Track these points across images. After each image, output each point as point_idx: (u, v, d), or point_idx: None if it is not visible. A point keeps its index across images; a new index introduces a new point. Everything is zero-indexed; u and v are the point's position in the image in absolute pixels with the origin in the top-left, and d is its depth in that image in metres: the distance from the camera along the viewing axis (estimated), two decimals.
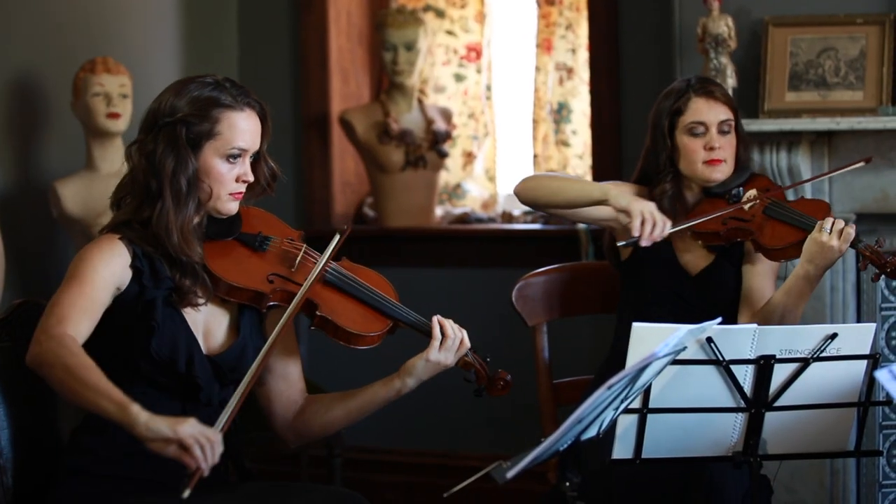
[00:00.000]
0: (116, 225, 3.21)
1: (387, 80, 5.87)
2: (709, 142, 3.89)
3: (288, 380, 3.38)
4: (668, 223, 3.73)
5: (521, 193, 3.99)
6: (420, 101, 5.83)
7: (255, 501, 3.19)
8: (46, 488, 3.22)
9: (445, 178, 5.92)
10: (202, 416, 3.17)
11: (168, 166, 3.16)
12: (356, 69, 5.95)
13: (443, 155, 5.78)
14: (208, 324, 3.26)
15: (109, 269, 3.12)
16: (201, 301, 3.21)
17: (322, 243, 3.33)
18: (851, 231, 3.65)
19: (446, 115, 5.85)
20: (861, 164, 3.99)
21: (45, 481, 3.23)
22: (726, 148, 3.91)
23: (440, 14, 5.90)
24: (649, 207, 3.73)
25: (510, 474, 2.81)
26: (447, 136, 5.79)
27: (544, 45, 5.67)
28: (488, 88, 5.89)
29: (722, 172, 3.91)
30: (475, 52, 5.90)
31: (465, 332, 3.35)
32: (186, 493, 2.89)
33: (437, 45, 5.90)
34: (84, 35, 5.18)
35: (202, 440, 2.87)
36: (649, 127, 3.99)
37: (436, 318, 3.32)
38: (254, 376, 3.09)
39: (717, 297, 3.89)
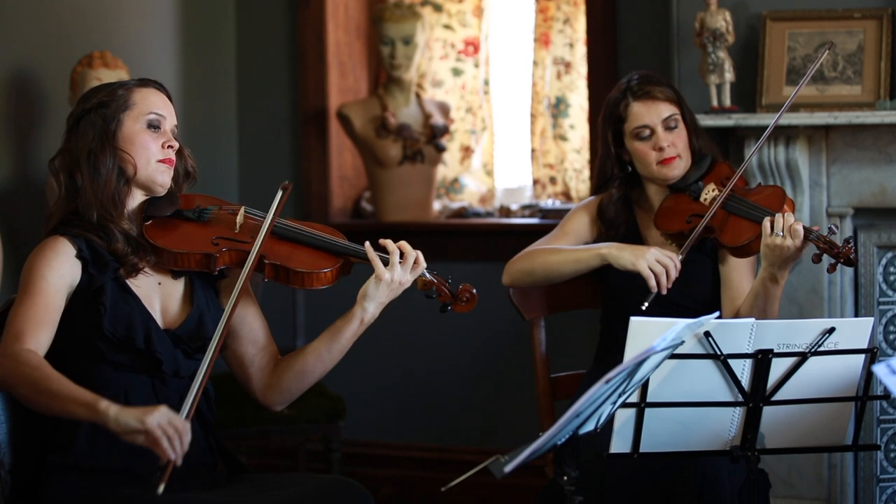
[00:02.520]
0: (55, 227, 3.27)
1: (384, 75, 5.86)
2: (657, 143, 3.89)
3: (257, 343, 3.40)
4: (676, 259, 3.76)
5: (515, 282, 4.01)
6: (418, 96, 5.83)
7: (253, 491, 3.20)
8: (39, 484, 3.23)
9: (443, 172, 5.92)
10: (173, 389, 3.24)
11: (86, 149, 3.25)
12: (354, 63, 5.94)
13: (440, 149, 5.78)
14: (163, 300, 3.31)
15: (58, 273, 3.19)
16: (143, 266, 3.26)
17: None
18: (799, 227, 3.61)
19: (444, 109, 5.84)
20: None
21: (39, 476, 3.24)
22: (677, 143, 3.91)
23: (438, 8, 5.89)
24: (653, 256, 3.76)
25: (508, 468, 2.81)
26: (445, 130, 5.79)
27: (542, 40, 5.67)
28: (486, 83, 5.88)
29: (678, 168, 3.91)
30: (473, 46, 5.89)
31: (419, 252, 3.36)
32: (161, 489, 2.90)
33: (435, 39, 5.90)
34: (82, 30, 5.18)
35: (170, 431, 2.91)
36: (599, 133, 4.01)
37: (382, 240, 3.36)
38: (220, 338, 3.12)
39: (696, 292, 3.89)
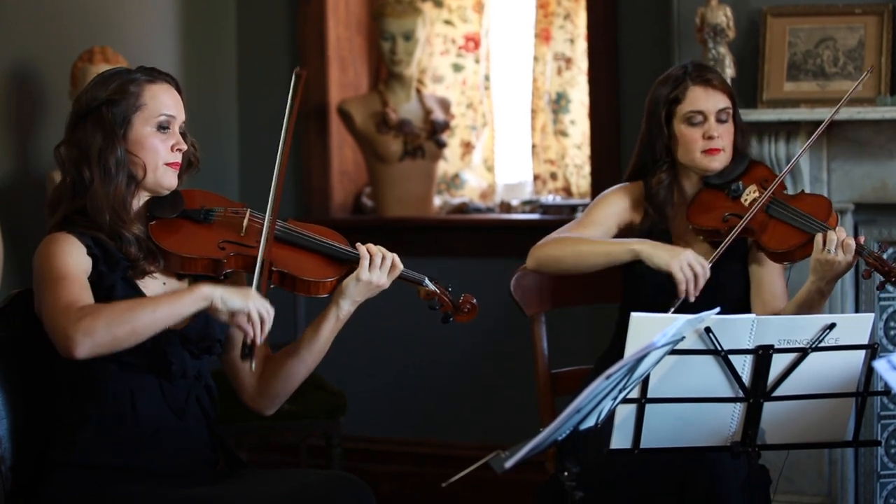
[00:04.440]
0: (58, 223, 3.25)
1: (385, 70, 5.86)
2: (707, 131, 3.85)
3: None
4: (707, 266, 3.71)
5: (541, 267, 3.95)
6: (418, 91, 5.83)
7: (254, 487, 3.21)
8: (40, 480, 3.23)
9: (444, 168, 5.92)
10: (180, 388, 3.25)
11: (95, 147, 3.23)
12: (354, 59, 5.94)
13: (441, 145, 5.78)
14: None
15: (77, 259, 3.18)
16: (153, 269, 3.26)
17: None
18: (852, 242, 3.61)
19: (445, 105, 5.84)
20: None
21: (40, 472, 3.24)
22: (725, 136, 3.87)
23: (438, 4, 5.89)
24: (687, 259, 3.71)
25: (509, 464, 2.81)
26: (445, 126, 5.79)
27: (543, 35, 5.67)
28: (487, 78, 5.88)
29: (720, 161, 3.88)
30: (473, 41, 5.89)
31: (395, 255, 3.36)
32: (253, 365, 3.19)
33: (436, 34, 5.89)
34: (82, 25, 5.18)
35: (264, 314, 3.12)
36: (645, 114, 3.95)
37: (363, 245, 3.37)
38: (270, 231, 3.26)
39: (723, 293, 3.80)
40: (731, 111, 3.90)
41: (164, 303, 3.09)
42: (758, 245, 3.79)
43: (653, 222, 3.91)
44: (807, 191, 4.55)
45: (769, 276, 3.86)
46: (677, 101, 3.88)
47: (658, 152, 3.91)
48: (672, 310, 3.67)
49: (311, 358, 3.38)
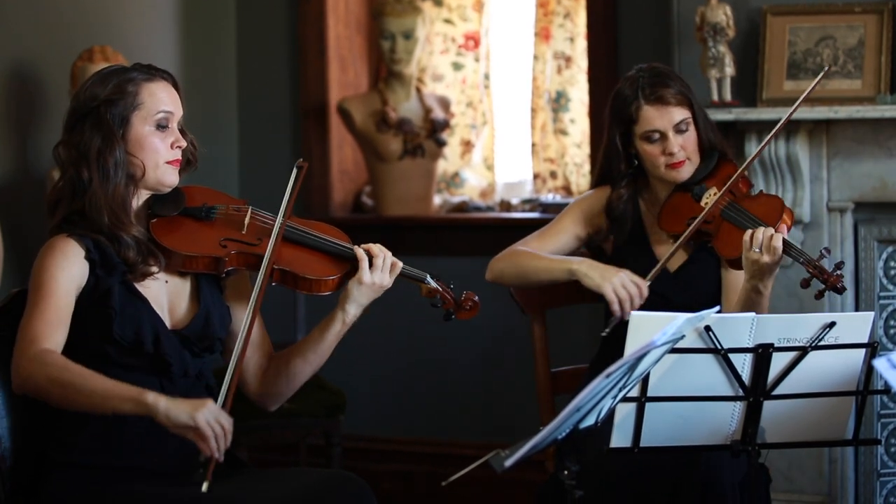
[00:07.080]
0: (59, 224, 3.25)
1: (385, 69, 5.87)
2: (667, 148, 3.82)
3: (253, 344, 3.38)
4: (644, 286, 3.71)
5: (494, 280, 3.99)
6: (418, 90, 5.83)
7: (254, 486, 3.20)
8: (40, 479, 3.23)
9: (443, 166, 5.92)
10: (180, 388, 3.23)
11: (94, 148, 3.22)
12: (354, 58, 5.94)
13: (441, 144, 5.78)
14: (171, 298, 3.30)
15: (67, 274, 3.17)
16: (155, 270, 3.25)
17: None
18: (778, 244, 3.56)
19: (444, 103, 5.84)
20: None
21: (40, 472, 3.24)
22: (687, 145, 3.84)
23: (438, 2, 5.89)
24: (620, 280, 3.72)
25: (508, 463, 2.81)
26: (445, 124, 5.79)
27: (542, 34, 5.67)
28: (486, 77, 5.88)
29: (686, 171, 3.85)
30: (473, 40, 5.89)
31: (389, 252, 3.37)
32: (205, 487, 2.98)
33: (436, 33, 5.89)
34: (82, 24, 5.18)
35: (217, 428, 2.96)
36: (605, 127, 3.95)
37: (365, 245, 3.36)
38: (245, 343, 3.17)
39: (698, 292, 3.83)
40: (690, 119, 3.85)
41: (104, 393, 3.03)
42: (715, 251, 3.79)
43: (623, 231, 3.92)
44: (806, 189, 4.56)
45: (735, 278, 3.83)
46: (632, 121, 3.85)
47: (615, 169, 3.91)
48: (608, 330, 3.69)
49: (315, 359, 3.39)
